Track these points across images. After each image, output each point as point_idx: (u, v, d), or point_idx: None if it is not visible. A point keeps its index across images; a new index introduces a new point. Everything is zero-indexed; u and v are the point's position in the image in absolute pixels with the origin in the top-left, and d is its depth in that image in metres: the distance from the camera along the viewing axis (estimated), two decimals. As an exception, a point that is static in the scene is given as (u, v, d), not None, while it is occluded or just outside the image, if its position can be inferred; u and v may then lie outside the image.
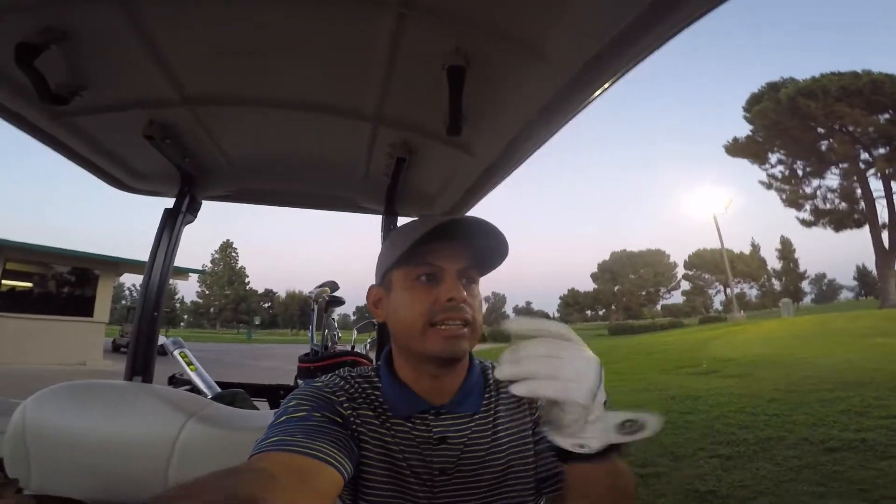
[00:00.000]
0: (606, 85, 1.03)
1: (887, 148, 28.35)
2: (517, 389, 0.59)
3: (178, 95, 1.34)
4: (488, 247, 0.80)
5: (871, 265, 34.63)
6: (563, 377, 0.58)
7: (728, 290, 59.13)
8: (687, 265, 74.85)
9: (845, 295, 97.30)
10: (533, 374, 0.58)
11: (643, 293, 77.66)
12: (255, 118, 1.53)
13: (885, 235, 29.08)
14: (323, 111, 1.45)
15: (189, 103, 1.40)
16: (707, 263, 70.31)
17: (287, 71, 1.27)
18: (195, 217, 1.94)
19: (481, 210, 2.07)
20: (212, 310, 77.40)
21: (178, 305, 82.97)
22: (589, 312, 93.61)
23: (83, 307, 14.46)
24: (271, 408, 2.26)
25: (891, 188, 29.54)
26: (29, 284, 14.59)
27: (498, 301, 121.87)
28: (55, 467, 1.22)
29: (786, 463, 4.38)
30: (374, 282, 0.88)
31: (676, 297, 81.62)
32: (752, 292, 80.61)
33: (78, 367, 12.77)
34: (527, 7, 0.93)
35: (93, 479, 1.22)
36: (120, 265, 15.55)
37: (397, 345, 0.83)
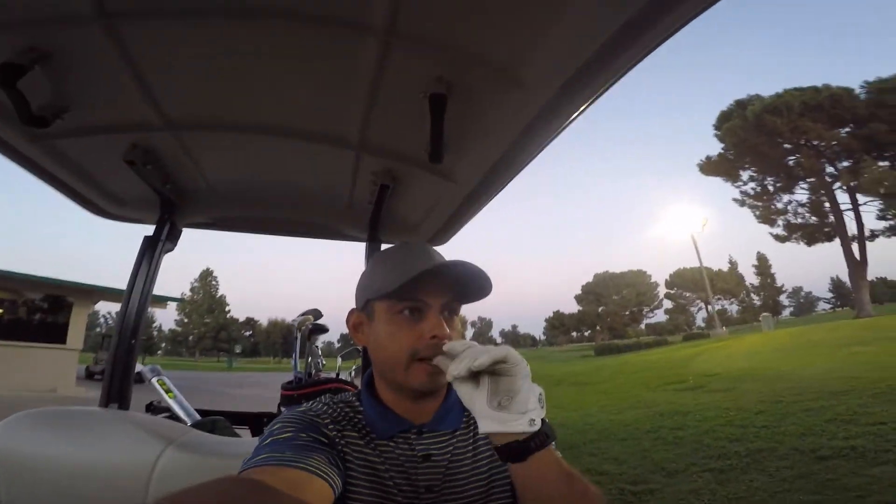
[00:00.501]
0: (583, 107, 1.07)
1: (850, 161, 29.35)
2: (455, 368, 0.65)
3: (160, 120, 1.33)
4: (472, 285, 0.80)
5: (845, 276, 35.51)
6: (493, 350, 0.64)
7: (709, 307, 60.02)
8: (668, 284, 75.92)
9: (822, 307, 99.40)
10: (470, 353, 0.65)
11: (627, 313, 78.27)
12: (238, 144, 1.52)
13: (855, 247, 29.96)
14: (306, 139, 1.45)
15: (171, 128, 1.39)
16: (687, 282, 71.43)
17: (271, 97, 1.27)
18: (175, 245, 1.91)
19: (465, 235, 2.08)
20: (191, 338, 75.63)
21: (155, 333, 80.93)
22: (574, 334, 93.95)
23: (56, 334, 14.11)
24: (253, 435, 2.19)
25: (857, 200, 30.53)
26: None
27: (484, 326, 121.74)
28: (26, 494, 1.16)
29: (779, 473, 4.38)
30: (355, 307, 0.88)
31: (660, 316, 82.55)
32: (733, 308, 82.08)
33: (48, 393, 12.42)
34: (504, 35, 0.96)
35: None
36: (95, 293, 15.24)
37: (379, 371, 0.84)
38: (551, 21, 0.89)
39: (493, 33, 0.96)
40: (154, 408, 2.22)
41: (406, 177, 1.63)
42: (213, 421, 2.00)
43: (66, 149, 1.46)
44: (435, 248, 0.87)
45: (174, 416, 2.07)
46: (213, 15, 0.97)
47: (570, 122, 1.13)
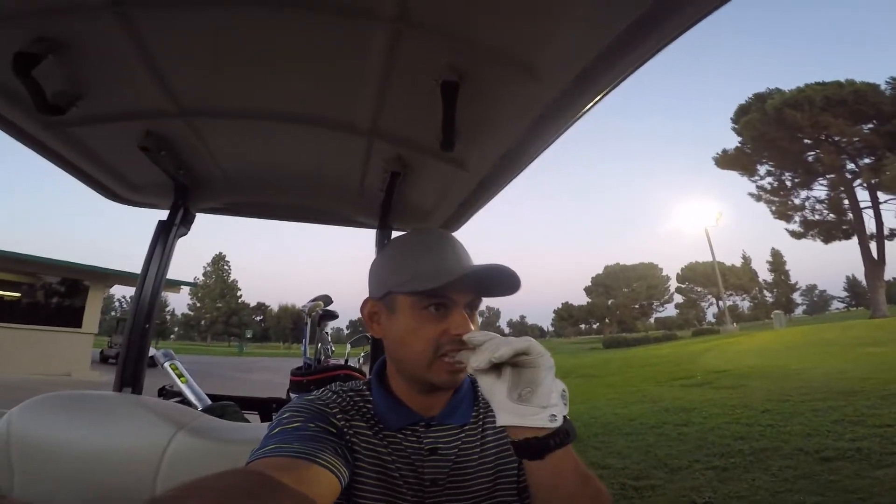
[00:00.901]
0: (596, 99, 1.05)
1: (872, 158, 28.71)
2: (476, 360, 0.65)
3: (174, 107, 1.35)
4: (501, 287, 0.79)
5: (861, 276, 34.88)
6: (514, 342, 0.64)
7: (720, 303, 59.41)
8: (679, 278, 75.30)
9: (836, 305, 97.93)
10: (491, 345, 0.65)
11: (637, 306, 77.82)
12: (250, 131, 1.53)
13: (873, 246, 29.41)
14: (318, 125, 1.46)
15: (185, 115, 1.40)
16: (699, 276, 70.75)
17: (283, 84, 1.28)
18: (188, 230, 1.93)
19: (475, 224, 2.08)
20: (203, 322, 76.80)
21: (168, 318, 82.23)
22: (583, 326, 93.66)
23: (72, 318, 14.34)
24: (262, 421, 2.23)
25: (877, 198, 29.94)
26: (17, 294, 14.46)
27: (492, 316, 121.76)
28: (40, 478, 1.20)
29: (781, 473, 4.37)
30: (367, 295, 0.87)
31: (670, 310, 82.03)
32: (745, 304, 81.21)
33: (63, 377, 12.63)
34: (518, 24, 0.95)
35: (78, 489, 1.20)
36: (110, 276, 15.46)
37: (396, 364, 0.83)
38: (565, 11, 0.88)
39: (505, 22, 0.95)
40: (166, 392, 2.26)
41: (417, 164, 1.63)
42: (224, 406, 2.04)
43: (81, 136, 1.49)
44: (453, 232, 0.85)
45: (185, 401, 2.11)
46: (225, 3, 0.97)
47: (583, 114, 1.12)
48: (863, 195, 30.68)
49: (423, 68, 1.11)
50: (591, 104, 1.07)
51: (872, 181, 28.78)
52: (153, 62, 1.14)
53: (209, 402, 2.17)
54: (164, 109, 1.36)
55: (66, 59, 1.09)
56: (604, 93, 1.02)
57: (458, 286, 0.75)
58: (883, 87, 26.90)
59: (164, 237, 1.78)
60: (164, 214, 1.84)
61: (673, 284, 76.54)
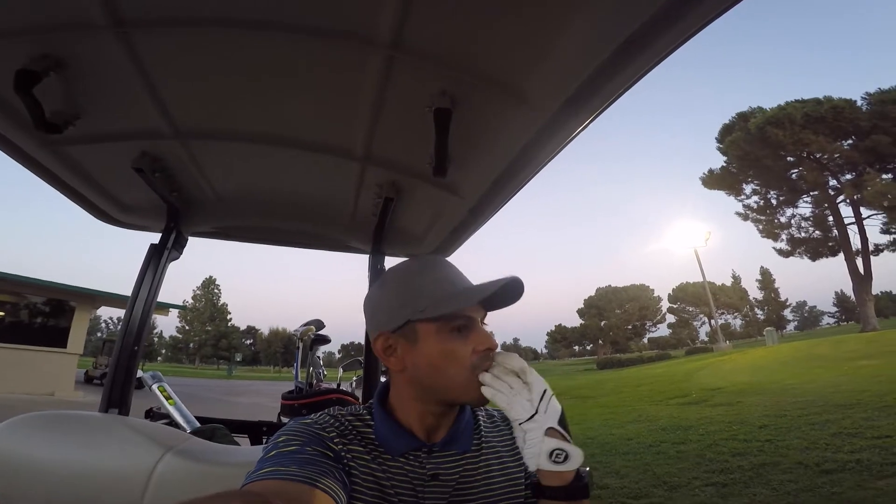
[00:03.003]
0: (585, 123, 1.08)
1: (853, 174, 29.26)
2: (485, 391, 0.76)
3: (170, 128, 1.36)
4: (509, 297, 0.83)
5: (850, 291, 35.26)
6: (512, 395, 0.76)
7: (712, 322, 59.61)
8: (671, 299, 75.59)
9: (826, 321, 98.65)
10: (498, 388, 0.76)
11: (629, 327, 77.77)
12: (244, 154, 1.54)
13: (859, 261, 29.80)
14: (312, 150, 1.47)
15: (180, 137, 1.41)
16: (690, 296, 71.10)
17: (278, 108, 1.29)
18: (181, 253, 1.91)
19: (468, 249, 2.08)
20: (191, 345, 75.60)
21: (156, 340, 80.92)
22: (577, 347, 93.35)
23: (56, 338, 14.14)
24: (252, 444, 2.18)
25: (860, 214, 30.46)
26: (0, 313, 14.20)
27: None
28: (22, 499, 1.15)
29: (782, 487, 4.34)
30: (361, 324, 0.87)
31: (662, 330, 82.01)
32: (737, 322, 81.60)
33: (46, 396, 12.39)
34: (508, 51, 0.98)
35: None
36: (97, 298, 15.31)
37: (423, 392, 0.81)
38: (554, 38, 0.91)
39: (496, 49, 0.98)
40: (154, 414, 2.21)
41: (410, 189, 1.64)
42: (213, 429, 1.99)
43: (76, 155, 1.48)
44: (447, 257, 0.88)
45: (173, 423, 2.06)
46: (223, 26, 0.99)
47: (573, 138, 1.14)
48: (846, 211, 31.28)
49: (416, 94, 1.13)
50: (581, 128, 1.10)
51: (855, 197, 29.30)
52: (152, 83, 1.16)
53: (198, 424, 2.12)
54: (159, 131, 1.36)
55: (66, 77, 1.10)
56: (593, 116, 1.05)
57: (474, 304, 0.80)
58: (859, 102, 27.63)
59: (156, 260, 1.77)
60: (156, 238, 1.83)
61: (665, 305, 76.89)
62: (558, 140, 1.16)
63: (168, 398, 2.18)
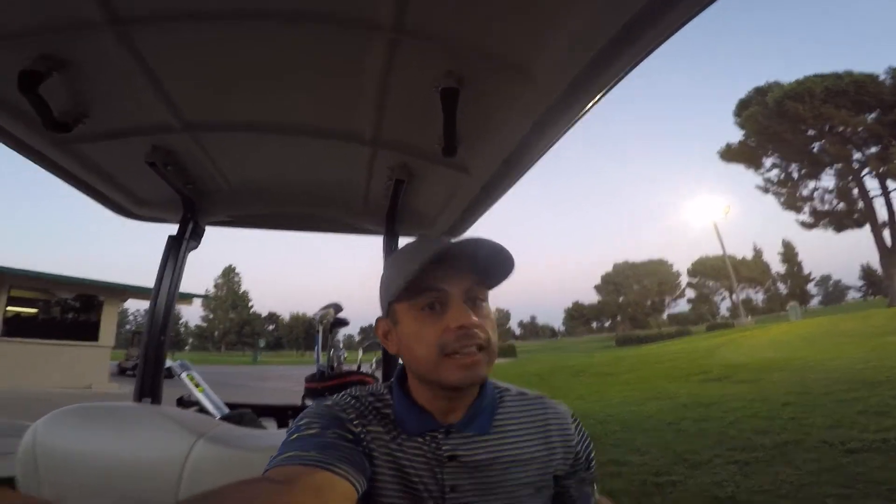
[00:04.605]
0: (595, 99, 1.06)
1: (877, 147, 28.45)
2: None
3: (179, 122, 1.37)
4: (493, 262, 0.77)
5: (876, 264, 34.35)
6: None
7: (734, 296, 58.83)
8: (691, 273, 74.68)
9: (852, 295, 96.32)
10: None
11: (648, 303, 77.27)
12: (254, 143, 1.55)
13: (886, 233, 28.98)
14: (321, 136, 1.47)
15: (190, 129, 1.42)
16: (710, 270, 70.16)
17: (285, 96, 1.29)
18: (199, 243, 1.94)
19: (482, 227, 2.09)
20: (216, 333, 77.72)
21: (182, 329, 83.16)
22: (594, 324, 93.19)
23: (88, 332, 14.61)
24: (279, 427, 2.24)
25: (886, 186, 29.54)
26: (34, 310, 14.81)
27: (502, 317, 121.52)
28: (66, 488, 1.21)
29: (805, 466, 4.29)
30: (377, 305, 0.87)
31: (682, 306, 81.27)
32: (759, 297, 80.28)
33: (84, 389, 12.82)
34: (513, 29, 0.96)
35: (103, 499, 1.20)
36: (124, 292, 15.70)
37: (414, 374, 0.81)
38: (560, 14, 0.89)
39: (501, 27, 0.96)
40: (184, 402, 2.28)
41: (421, 171, 1.64)
42: (241, 414, 2.05)
43: (89, 152, 1.50)
44: (453, 239, 0.85)
45: (203, 410, 2.13)
46: (223, 17, 0.98)
47: (583, 115, 1.12)
48: (871, 184, 30.39)
49: (422, 76, 1.12)
50: (591, 104, 1.08)
51: (881, 169, 28.41)
52: (155, 78, 1.16)
53: (227, 410, 2.18)
54: (169, 124, 1.37)
55: (69, 76, 1.11)
56: (603, 92, 1.03)
57: (444, 274, 0.75)
58: (882, 77, 26.79)
59: (175, 251, 1.80)
60: (173, 229, 1.86)
61: (684, 280, 76.05)
62: (568, 117, 1.14)
63: (197, 385, 2.25)
